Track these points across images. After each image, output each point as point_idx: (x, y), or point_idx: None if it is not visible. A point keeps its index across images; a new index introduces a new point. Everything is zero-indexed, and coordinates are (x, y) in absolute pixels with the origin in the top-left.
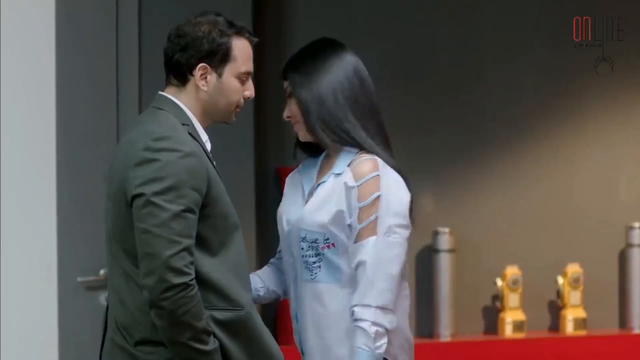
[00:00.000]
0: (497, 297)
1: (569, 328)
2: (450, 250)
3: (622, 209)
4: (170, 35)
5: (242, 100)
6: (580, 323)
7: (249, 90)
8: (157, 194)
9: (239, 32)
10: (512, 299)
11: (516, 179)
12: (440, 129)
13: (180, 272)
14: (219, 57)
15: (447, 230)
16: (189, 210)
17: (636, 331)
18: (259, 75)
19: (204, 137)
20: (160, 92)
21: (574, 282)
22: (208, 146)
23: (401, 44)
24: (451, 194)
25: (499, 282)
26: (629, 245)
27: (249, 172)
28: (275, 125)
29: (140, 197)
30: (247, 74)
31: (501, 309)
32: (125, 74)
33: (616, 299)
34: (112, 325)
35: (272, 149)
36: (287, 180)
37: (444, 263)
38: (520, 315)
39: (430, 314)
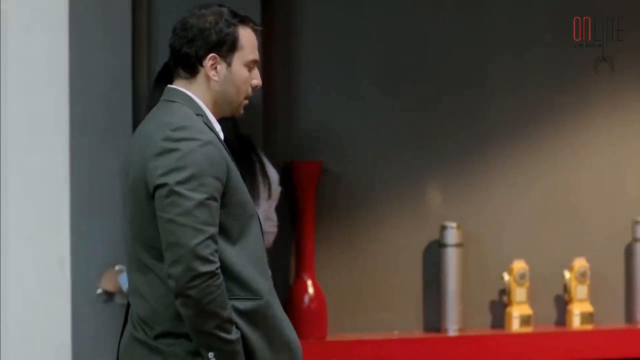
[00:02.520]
0: (504, 291)
1: (576, 322)
2: (458, 245)
3: (628, 203)
4: (175, 28)
5: (250, 90)
6: (587, 317)
7: (256, 79)
8: (180, 183)
9: (244, 21)
10: (519, 293)
11: (523, 173)
12: (447, 124)
13: (206, 260)
14: (227, 47)
15: (454, 224)
16: (211, 198)
17: None
18: (268, 68)
19: (217, 126)
20: (169, 86)
21: (581, 277)
22: (221, 136)
23: (409, 39)
24: (458, 189)
25: (506, 277)
26: (636, 240)
27: None
28: (284, 119)
29: (163, 187)
30: (255, 62)
31: (508, 303)
32: (141, 70)
33: (623, 293)
34: (131, 320)
35: (281, 143)
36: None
37: (452, 257)
38: (527, 310)
39: (437, 308)
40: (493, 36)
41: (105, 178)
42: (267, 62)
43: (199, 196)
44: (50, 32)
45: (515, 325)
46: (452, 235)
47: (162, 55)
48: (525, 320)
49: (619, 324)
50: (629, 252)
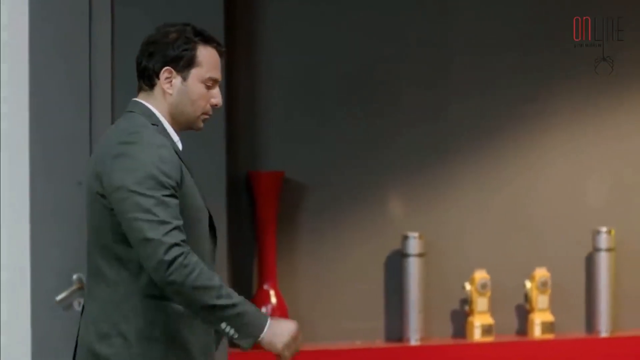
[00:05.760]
0: (466, 301)
1: (537, 332)
2: (420, 255)
3: (588, 213)
4: (142, 44)
5: (208, 107)
6: (547, 327)
7: (216, 98)
8: (137, 183)
9: (206, 41)
10: (481, 303)
11: (484, 183)
12: (409, 134)
13: (175, 246)
14: (183, 62)
15: (416, 234)
16: (170, 195)
17: (603, 335)
18: (230, 79)
19: (175, 137)
20: (133, 98)
21: (542, 286)
22: (179, 146)
23: (369, 49)
24: (420, 199)
25: (468, 286)
26: (596, 250)
27: (221, 176)
28: (247, 129)
29: (122, 189)
30: (213, 80)
31: (470, 313)
32: (98, 79)
33: (583, 303)
34: (85, 322)
35: (244, 153)
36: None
37: (413, 267)
38: (488, 319)
39: (399, 317)
40: (455, 43)
41: (64, 186)
42: (229, 73)
43: (157, 194)
44: (9, 39)
45: (476, 335)
46: (414, 245)
47: (120, 64)
48: (486, 330)
49: (580, 333)
50: (589, 262)
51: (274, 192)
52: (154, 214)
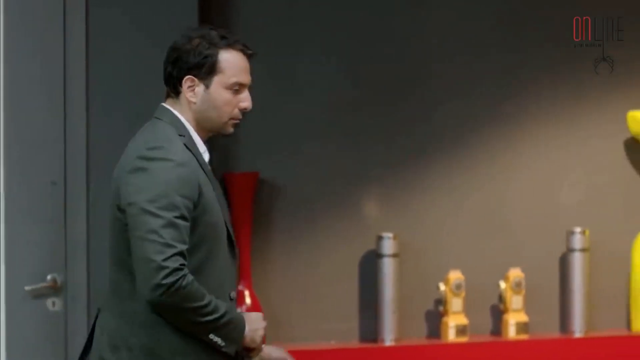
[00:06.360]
0: (441, 301)
1: (511, 332)
2: (394, 255)
3: (563, 214)
4: (168, 49)
5: (236, 112)
6: (522, 327)
7: (244, 102)
8: (150, 201)
9: (231, 45)
10: (455, 303)
11: (459, 184)
12: (385, 134)
13: (175, 270)
14: (205, 69)
15: (390, 235)
16: (181, 217)
17: (577, 335)
18: None
19: (202, 148)
20: (162, 104)
21: (516, 287)
22: (206, 157)
23: (351, 45)
24: (395, 199)
25: (442, 287)
26: (570, 250)
27: None
28: None
29: (134, 205)
30: (240, 85)
31: (444, 313)
32: (72, 79)
33: (557, 303)
34: (97, 332)
35: (220, 156)
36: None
37: (388, 268)
38: (463, 320)
39: (373, 318)
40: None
41: (38, 186)
42: None
43: (168, 215)
44: None
45: (451, 335)
46: (388, 246)
47: (95, 64)
48: (461, 330)
49: (554, 333)
50: (563, 262)
51: (249, 193)
52: (161, 236)
